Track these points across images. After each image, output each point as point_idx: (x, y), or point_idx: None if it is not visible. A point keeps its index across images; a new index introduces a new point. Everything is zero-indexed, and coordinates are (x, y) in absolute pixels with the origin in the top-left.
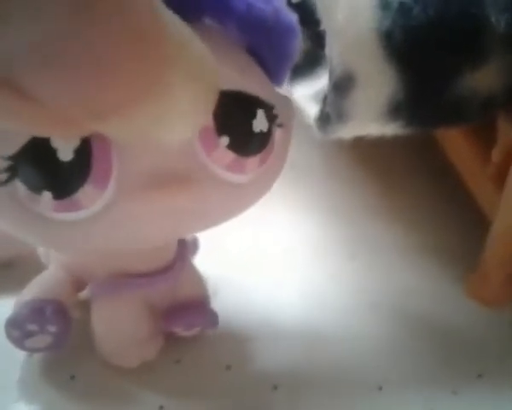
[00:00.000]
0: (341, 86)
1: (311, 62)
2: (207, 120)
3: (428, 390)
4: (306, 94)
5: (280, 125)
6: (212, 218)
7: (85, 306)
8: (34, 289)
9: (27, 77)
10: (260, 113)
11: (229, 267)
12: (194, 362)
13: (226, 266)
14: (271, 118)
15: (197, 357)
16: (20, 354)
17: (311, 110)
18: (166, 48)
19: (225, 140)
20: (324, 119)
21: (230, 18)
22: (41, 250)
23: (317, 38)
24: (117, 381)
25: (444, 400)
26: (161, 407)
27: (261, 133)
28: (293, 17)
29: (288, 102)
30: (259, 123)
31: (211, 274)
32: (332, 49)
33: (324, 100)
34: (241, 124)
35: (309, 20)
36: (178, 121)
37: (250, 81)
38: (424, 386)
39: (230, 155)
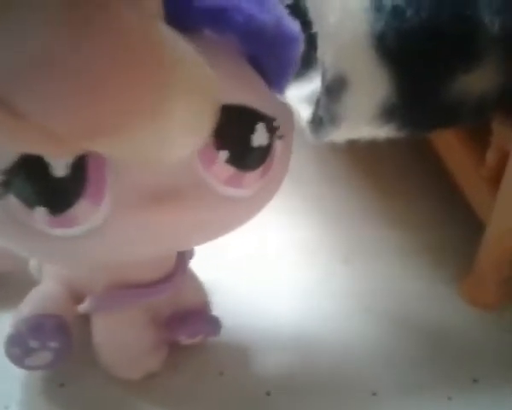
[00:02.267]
0: (334, 89)
1: (304, 64)
2: (207, 137)
3: (423, 396)
4: (299, 95)
5: (280, 137)
6: (211, 232)
7: (82, 318)
8: (32, 304)
9: (17, 95)
10: (260, 126)
11: (223, 272)
12: (187, 368)
13: (219, 271)
14: (272, 130)
15: (190, 363)
16: (9, 362)
17: (304, 113)
18: (167, 75)
19: (224, 154)
20: (317, 122)
21: (230, 29)
22: (33, 265)
23: (309, 40)
24: (108, 389)
25: (439, 405)
26: None
27: (261, 147)
28: (295, 26)
29: (288, 111)
30: (259, 137)
31: (204, 279)
32: (324, 51)
33: (317, 103)
34: (240, 138)
35: (301, 21)
36: (176, 143)
37: (250, 94)
38: (419, 391)
39: (229, 170)
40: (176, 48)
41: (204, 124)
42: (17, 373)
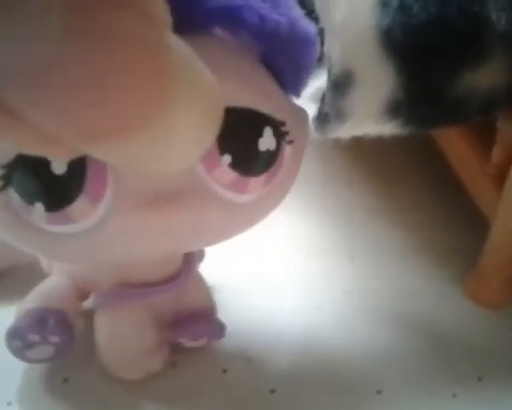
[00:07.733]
0: (340, 84)
1: None
2: (210, 144)
3: (428, 393)
4: (304, 93)
5: (290, 143)
6: (211, 236)
7: (87, 314)
8: (36, 297)
9: (17, 96)
10: (268, 130)
11: (227, 271)
12: (190, 366)
13: (224, 270)
14: (281, 135)
15: (193, 361)
16: (11, 357)
17: (309, 110)
18: (170, 81)
19: (227, 159)
20: (322, 118)
21: (244, 29)
22: (43, 258)
23: None
24: (112, 386)
25: (443, 403)
26: None
27: (268, 152)
28: (311, 27)
29: (302, 116)
30: (266, 141)
31: (209, 278)
32: (331, 46)
33: (323, 99)
34: (245, 142)
35: (308, 17)
36: (178, 152)
37: (258, 96)
38: (424, 389)
39: (232, 174)
40: (179, 54)
41: (207, 132)
42: (20, 369)
